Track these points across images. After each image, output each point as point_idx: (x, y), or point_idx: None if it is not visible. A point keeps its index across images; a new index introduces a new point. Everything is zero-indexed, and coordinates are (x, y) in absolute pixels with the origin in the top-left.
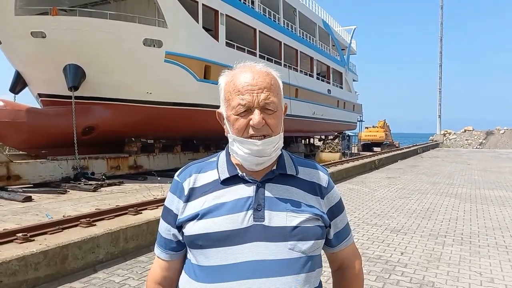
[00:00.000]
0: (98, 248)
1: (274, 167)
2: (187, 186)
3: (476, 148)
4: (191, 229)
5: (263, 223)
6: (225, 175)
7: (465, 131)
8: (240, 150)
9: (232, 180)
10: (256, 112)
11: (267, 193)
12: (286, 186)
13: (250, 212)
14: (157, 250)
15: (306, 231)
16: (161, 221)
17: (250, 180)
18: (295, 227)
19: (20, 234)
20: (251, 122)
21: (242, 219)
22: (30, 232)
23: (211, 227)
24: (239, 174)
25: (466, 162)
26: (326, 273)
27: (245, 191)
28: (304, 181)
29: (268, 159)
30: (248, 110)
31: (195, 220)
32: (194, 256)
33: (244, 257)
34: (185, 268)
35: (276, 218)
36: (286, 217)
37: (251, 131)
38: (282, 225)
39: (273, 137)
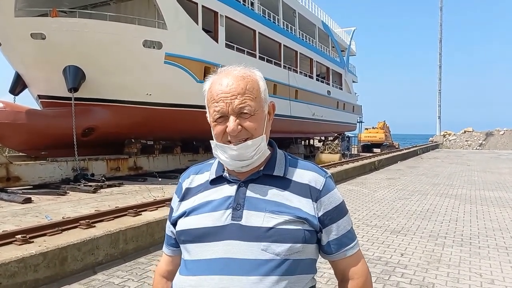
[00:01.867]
0: (97, 249)
1: (262, 168)
2: (184, 186)
3: (476, 149)
4: (179, 225)
5: (240, 222)
6: (213, 175)
7: (464, 132)
8: (222, 155)
9: (219, 180)
10: (231, 119)
11: (248, 193)
12: (271, 187)
13: (229, 211)
14: (163, 245)
15: (282, 233)
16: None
17: (233, 180)
18: (270, 228)
19: (20, 236)
20: (227, 129)
21: (220, 218)
22: (30, 234)
23: (192, 224)
24: (223, 175)
25: (466, 163)
26: (326, 274)
27: (228, 190)
28: (293, 182)
29: (252, 161)
30: (224, 117)
31: (183, 217)
32: (181, 251)
33: (217, 254)
34: None
35: (253, 218)
36: (263, 218)
37: (228, 137)
38: (258, 226)
39: (252, 140)
